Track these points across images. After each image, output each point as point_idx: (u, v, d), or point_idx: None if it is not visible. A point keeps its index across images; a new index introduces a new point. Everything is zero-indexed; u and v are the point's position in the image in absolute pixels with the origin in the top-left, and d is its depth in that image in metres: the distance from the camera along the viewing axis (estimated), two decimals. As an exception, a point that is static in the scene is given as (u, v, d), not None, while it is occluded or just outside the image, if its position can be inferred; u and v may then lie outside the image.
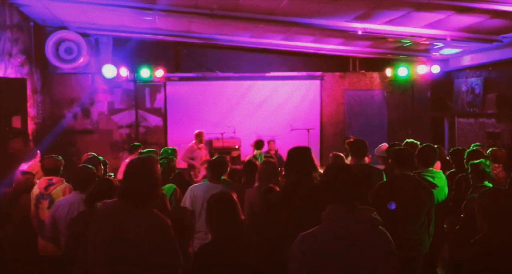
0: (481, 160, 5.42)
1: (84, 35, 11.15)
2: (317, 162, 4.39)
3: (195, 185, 5.44)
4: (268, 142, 10.75)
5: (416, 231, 4.60)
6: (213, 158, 5.89)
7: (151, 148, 8.08)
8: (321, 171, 5.27)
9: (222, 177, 5.94)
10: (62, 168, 5.37)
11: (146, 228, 3.09)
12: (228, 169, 5.99)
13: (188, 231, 4.36)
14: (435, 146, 5.71)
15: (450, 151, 6.85)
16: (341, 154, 6.62)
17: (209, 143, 11.87)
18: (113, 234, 3.09)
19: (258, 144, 10.25)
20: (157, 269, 3.10)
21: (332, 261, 2.66)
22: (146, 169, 3.21)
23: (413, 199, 4.59)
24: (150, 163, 3.28)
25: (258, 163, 6.05)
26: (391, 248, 2.78)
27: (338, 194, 2.76)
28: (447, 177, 5.88)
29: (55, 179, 5.20)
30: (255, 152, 10.08)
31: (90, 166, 4.92)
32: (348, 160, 7.19)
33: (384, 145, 7.23)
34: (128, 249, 3.07)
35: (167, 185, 5.78)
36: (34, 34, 10.43)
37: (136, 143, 9.09)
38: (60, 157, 5.47)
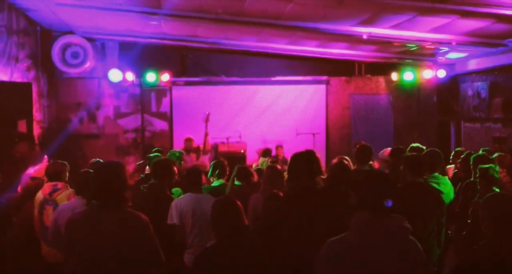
0: (490, 165, 5.38)
1: (90, 39, 11.22)
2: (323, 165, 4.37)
3: (177, 198, 5.10)
4: (276, 147, 10.71)
5: (425, 239, 4.54)
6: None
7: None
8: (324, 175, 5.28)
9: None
10: (67, 173, 5.35)
11: (124, 229, 3.20)
12: (227, 171, 5.99)
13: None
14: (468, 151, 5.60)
15: (452, 153, 6.81)
16: (347, 158, 6.59)
17: (215, 148, 11.88)
18: (90, 238, 3.19)
19: (265, 152, 10.23)
20: (138, 265, 3.23)
21: (358, 268, 2.62)
22: (113, 171, 3.32)
23: (422, 206, 4.56)
24: (117, 166, 3.39)
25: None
26: (420, 258, 2.72)
27: (369, 201, 2.71)
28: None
29: (60, 185, 5.19)
30: (260, 159, 10.06)
31: (92, 171, 4.91)
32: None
33: (387, 150, 7.13)
34: (108, 249, 3.16)
35: (173, 189, 5.71)
36: (40, 39, 10.50)
37: (157, 148, 8.46)
38: (65, 162, 5.45)
